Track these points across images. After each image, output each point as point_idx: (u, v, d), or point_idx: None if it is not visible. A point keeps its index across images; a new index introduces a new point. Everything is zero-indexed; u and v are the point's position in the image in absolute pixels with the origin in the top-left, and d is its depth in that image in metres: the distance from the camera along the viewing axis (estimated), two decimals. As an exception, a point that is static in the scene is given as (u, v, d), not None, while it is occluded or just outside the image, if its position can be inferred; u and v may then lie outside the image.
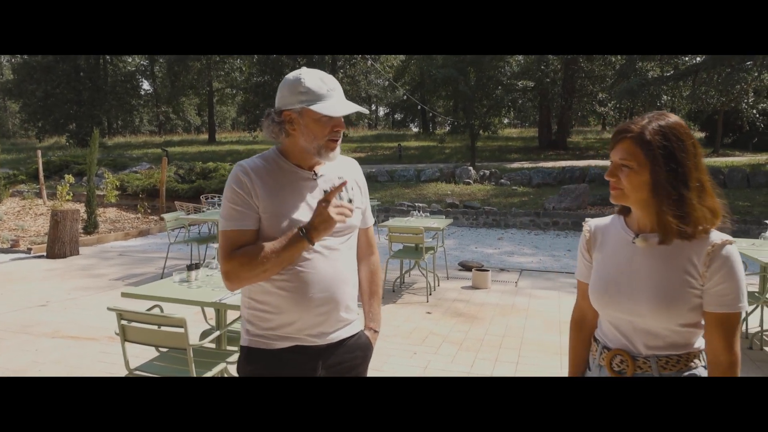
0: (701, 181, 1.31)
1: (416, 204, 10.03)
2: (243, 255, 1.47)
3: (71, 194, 9.23)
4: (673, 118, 1.34)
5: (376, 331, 1.73)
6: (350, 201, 1.58)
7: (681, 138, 1.31)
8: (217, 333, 2.94)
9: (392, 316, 5.10)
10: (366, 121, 46.24)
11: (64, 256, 7.73)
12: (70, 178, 9.07)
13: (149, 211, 12.46)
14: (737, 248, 1.33)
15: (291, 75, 1.54)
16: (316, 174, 1.59)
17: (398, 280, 6.34)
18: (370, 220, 1.78)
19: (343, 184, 1.50)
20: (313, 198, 1.53)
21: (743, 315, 1.33)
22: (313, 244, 1.48)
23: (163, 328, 2.65)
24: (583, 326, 1.59)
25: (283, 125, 1.52)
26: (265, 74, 27.61)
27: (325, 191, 1.53)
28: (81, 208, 9.57)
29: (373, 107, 47.65)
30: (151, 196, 13.37)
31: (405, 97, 34.29)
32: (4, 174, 14.48)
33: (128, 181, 13.88)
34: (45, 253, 7.80)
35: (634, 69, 18.68)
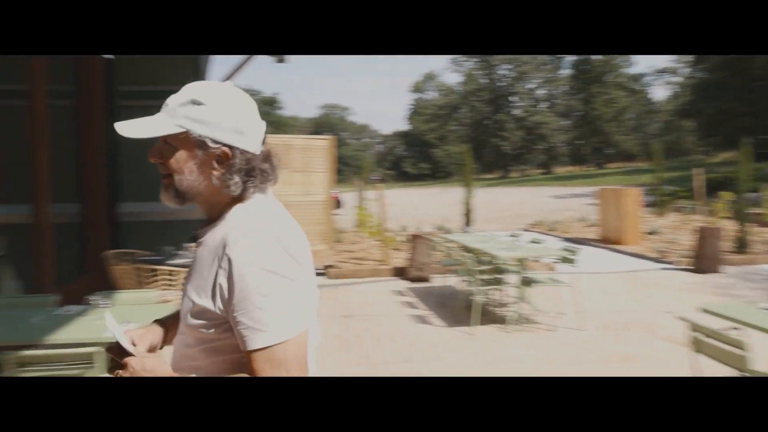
0: None
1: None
2: None
3: (731, 211, 9.38)
4: None
5: None
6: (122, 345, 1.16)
7: None
8: None
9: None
10: None
11: (705, 272, 7.86)
12: (725, 194, 9.65)
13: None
14: None
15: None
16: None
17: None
18: (253, 340, 1.02)
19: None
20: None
21: None
22: None
23: (726, 348, 2.62)
24: None
25: None
26: None
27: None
28: (733, 225, 9.52)
29: None
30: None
31: None
32: (669, 190, 15.42)
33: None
34: (691, 267, 8.05)
35: None
